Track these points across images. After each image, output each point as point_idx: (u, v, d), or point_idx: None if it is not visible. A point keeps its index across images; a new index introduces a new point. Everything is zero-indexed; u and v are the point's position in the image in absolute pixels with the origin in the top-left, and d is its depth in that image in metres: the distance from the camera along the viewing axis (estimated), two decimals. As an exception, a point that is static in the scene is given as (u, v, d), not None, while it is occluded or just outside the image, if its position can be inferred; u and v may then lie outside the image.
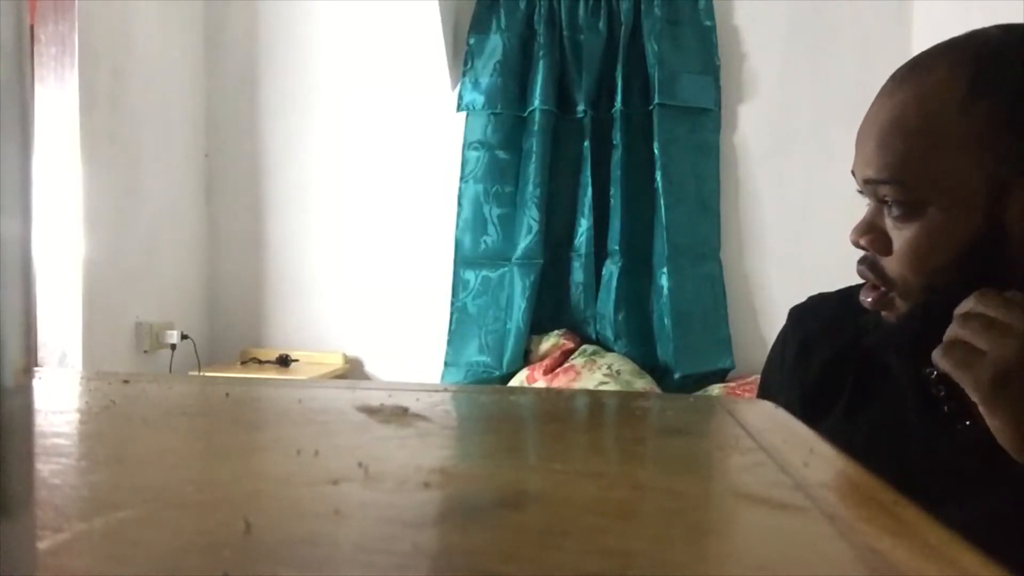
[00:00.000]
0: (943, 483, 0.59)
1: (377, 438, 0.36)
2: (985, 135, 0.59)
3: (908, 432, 0.67)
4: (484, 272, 2.57)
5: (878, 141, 0.63)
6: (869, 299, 0.67)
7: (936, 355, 0.58)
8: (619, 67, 2.47)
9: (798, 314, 0.82)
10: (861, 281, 0.70)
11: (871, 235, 0.65)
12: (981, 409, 0.57)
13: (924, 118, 0.61)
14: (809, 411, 0.71)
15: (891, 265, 0.64)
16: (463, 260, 2.58)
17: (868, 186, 0.65)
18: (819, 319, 0.79)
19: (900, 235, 0.63)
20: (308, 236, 2.71)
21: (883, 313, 0.67)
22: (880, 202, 0.65)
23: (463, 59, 2.58)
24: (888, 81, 0.65)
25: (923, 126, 0.61)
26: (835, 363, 0.74)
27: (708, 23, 2.51)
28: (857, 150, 0.67)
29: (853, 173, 0.68)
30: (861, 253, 0.68)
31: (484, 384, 2.44)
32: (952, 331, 0.57)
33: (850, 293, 0.76)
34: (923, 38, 2.35)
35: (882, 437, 0.68)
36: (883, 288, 0.65)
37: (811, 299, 0.82)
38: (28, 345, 0.16)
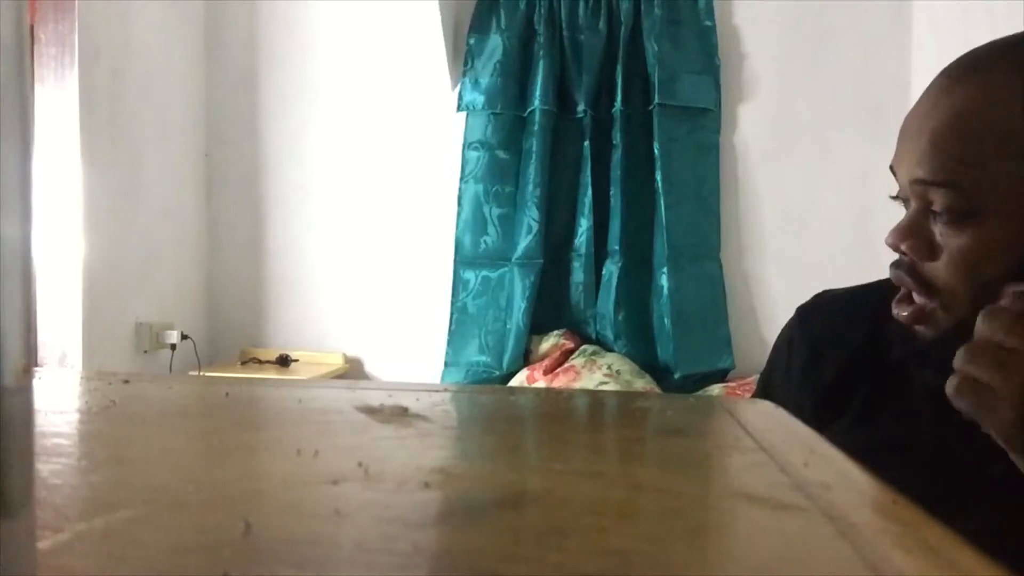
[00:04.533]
0: (961, 491, 0.57)
1: (377, 438, 0.36)
2: None
3: (925, 438, 0.64)
4: (484, 272, 2.57)
5: (932, 140, 0.59)
6: (905, 314, 0.62)
7: (949, 392, 0.53)
8: (619, 67, 2.47)
9: (806, 314, 0.77)
10: (868, 280, 0.67)
11: (914, 239, 0.61)
12: (1006, 449, 0.53)
13: (986, 121, 0.57)
14: (821, 415, 0.68)
15: (936, 272, 0.60)
16: (463, 260, 2.58)
17: (916, 187, 0.60)
18: (829, 320, 0.75)
19: (950, 242, 0.59)
20: (308, 236, 2.71)
21: (918, 327, 0.62)
22: (926, 204, 0.60)
23: (463, 59, 2.58)
24: (942, 78, 0.61)
25: (984, 129, 0.57)
26: (849, 367, 0.70)
27: (708, 23, 2.51)
28: (903, 147, 0.63)
29: (892, 170, 0.64)
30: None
31: (484, 384, 2.44)
32: (960, 365, 0.52)
33: (859, 292, 0.73)
34: (923, 38, 2.35)
35: (898, 443, 0.65)
36: (924, 299, 0.61)
37: (818, 298, 0.78)
38: (28, 345, 0.16)
